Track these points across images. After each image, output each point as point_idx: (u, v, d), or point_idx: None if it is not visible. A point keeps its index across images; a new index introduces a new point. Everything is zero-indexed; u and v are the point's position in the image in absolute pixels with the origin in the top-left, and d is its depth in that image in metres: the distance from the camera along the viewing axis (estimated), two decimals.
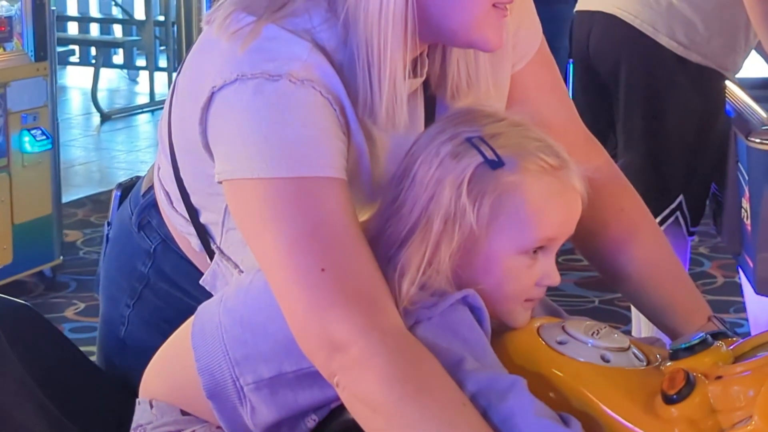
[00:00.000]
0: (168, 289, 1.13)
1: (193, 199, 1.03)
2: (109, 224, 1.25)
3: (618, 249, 1.09)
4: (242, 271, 1.01)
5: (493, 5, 0.89)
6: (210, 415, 0.96)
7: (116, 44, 6.73)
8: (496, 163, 0.86)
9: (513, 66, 1.05)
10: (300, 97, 0.88)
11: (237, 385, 0.92)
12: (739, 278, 2.35)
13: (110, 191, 1.37)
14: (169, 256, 1.12)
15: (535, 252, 0.87)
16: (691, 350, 0.89)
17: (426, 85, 0.98)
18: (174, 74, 6.16)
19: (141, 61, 6.49)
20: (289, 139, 0.87)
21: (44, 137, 3.07)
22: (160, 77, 6.16)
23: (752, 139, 1.88)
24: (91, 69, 5.96)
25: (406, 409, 0.82)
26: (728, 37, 2.09)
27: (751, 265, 1.89)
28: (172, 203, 1.07)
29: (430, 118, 0.99)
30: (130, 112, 6.19)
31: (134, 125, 6.05)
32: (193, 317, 0.97)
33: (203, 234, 1.05)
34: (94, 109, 5.79)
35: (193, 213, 1.04)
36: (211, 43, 0.94)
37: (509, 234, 0.87)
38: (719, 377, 0.89)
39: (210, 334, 0.94)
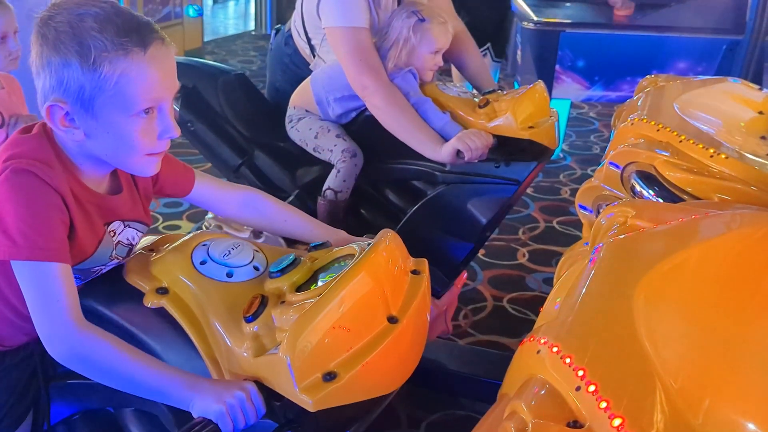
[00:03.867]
0: (295, 66, 2.45)
1: (309, 33, 2.33)
2: (270, 43, 2.59)
3: (462, 54, 2.40)
4: (325, 62, 2.30)
5: None
6: (315, 110, 2.26)
7: None
8: (423, 20, 2.14)
9: None
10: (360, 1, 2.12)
11: (326, 99, 2.23)
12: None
13: None
14: (296, 55, 2.43)
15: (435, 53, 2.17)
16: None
17: None
18: None
19: None
20: (351, 10, 2.09)
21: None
22: None
23: (524, 23, 3.68)
24: None
25: (396, 110, 2.06)
26: None
27: (519, 79, 3.74)
28: (299, 34, 2.36)
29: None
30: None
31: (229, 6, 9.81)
32: (311, 75, 2.29)
33: (311, 47, 2.35)
34: None
35: (308, 39, 2.35)
36: None
37: (427, 42, 2.13)
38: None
39: (318, 78, 2.26)
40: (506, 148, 2.08)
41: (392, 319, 1.16)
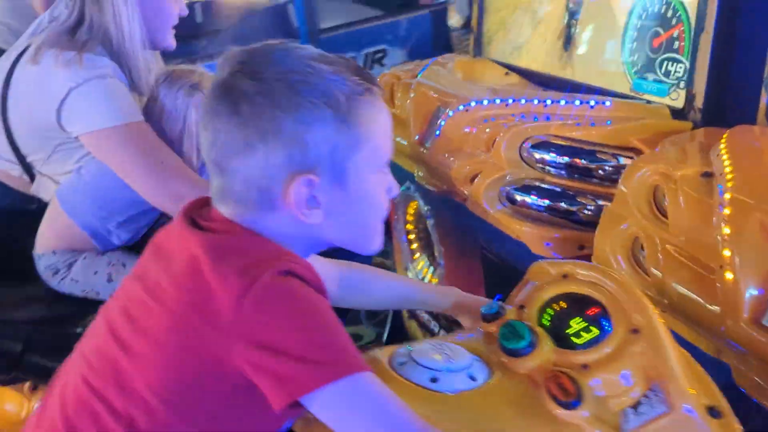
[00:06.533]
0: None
1: (24, 150, 1.71)
2: None
3: None
4: (57, 182, 1.70)
5: None
6: (89, 245, 1.66)
7: None
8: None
9: None
10: (117, 83, 1.62)
11: (104, 228, 1.65)
12: None
13: None
14: None
15: None
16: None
17: None
18: None
19: None
20: (125, 102, 1.61)
21: None
22: None
23: None
24: None
25: None
26: None
27: None
28: None
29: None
30: None
31: None
32: (54, 205, 1.66)
33: (27, 166, 1.74)
34: None
35: (20, 157, 1.72)
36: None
37: None
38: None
39: (76, 207, 1.64)
40: None
41: None
